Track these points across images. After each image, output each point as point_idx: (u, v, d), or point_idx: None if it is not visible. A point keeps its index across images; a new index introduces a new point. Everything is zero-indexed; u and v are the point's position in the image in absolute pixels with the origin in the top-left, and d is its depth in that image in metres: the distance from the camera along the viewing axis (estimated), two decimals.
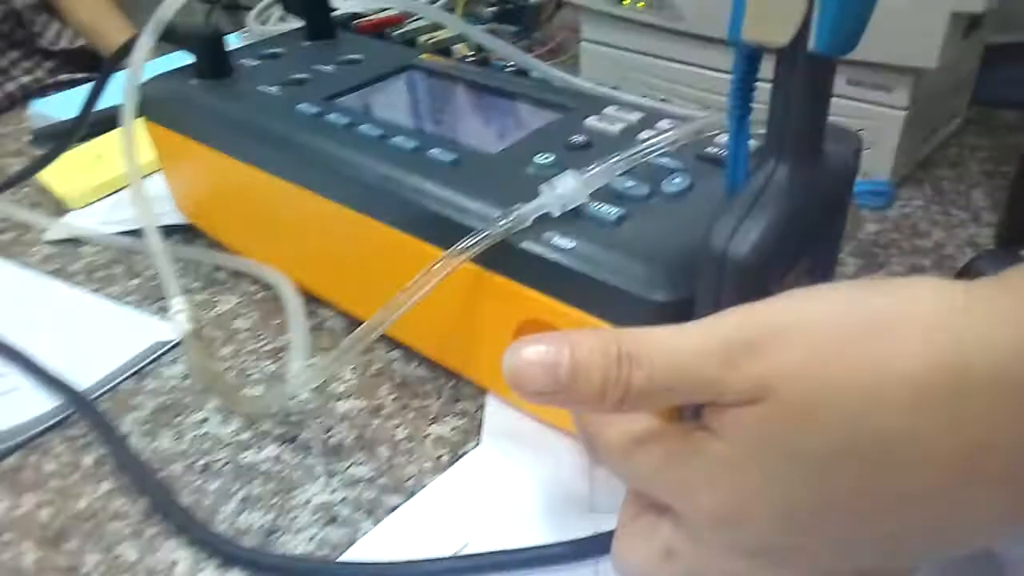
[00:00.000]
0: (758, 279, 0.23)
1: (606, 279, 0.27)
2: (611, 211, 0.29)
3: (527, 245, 0.29)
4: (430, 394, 0.36)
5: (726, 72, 0.54)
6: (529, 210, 0.29)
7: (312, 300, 0.41)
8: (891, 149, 0.50)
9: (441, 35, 0.55)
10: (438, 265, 0.29)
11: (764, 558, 0.21)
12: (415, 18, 0.59)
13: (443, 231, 0.31)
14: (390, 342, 0.39)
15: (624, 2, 0.56)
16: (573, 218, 0.29)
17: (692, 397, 0.21)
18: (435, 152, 0.34)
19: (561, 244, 0.28)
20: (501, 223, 0.29)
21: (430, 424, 0.35)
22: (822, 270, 0.28)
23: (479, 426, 0.34)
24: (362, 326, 0.30)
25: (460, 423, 0.35)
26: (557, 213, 0.29)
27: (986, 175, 0.53)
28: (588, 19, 0.61)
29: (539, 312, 0.30)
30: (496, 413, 0.35)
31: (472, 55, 0.56)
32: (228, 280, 0.45)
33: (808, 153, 0.24)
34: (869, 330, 0.19)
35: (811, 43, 0.21)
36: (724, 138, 0.33)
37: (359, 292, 0.38)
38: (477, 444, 0.33)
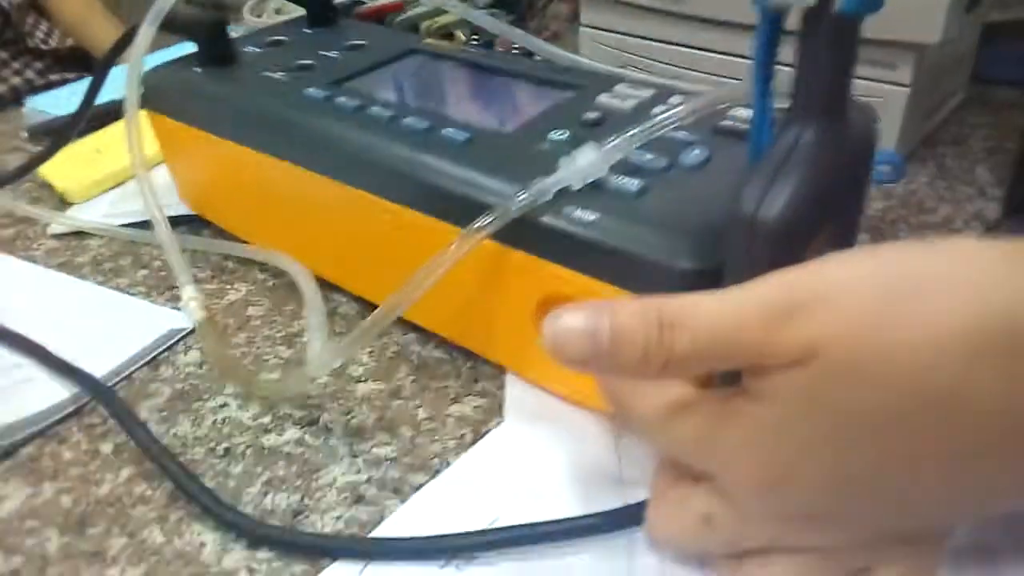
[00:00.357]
0: (788, 243, 0.23)
1: (630, 249, 0.27)
2: (632, 183, 0.29)
3: (548, 219, 0.29)
4: (449, 375, 0.36)
5: (728, 54, 0.55)
6: (549, 184, 0.29)
7: (325, 286, 0.41)
8: (896, 126, 0.50)
9: (443, 20, 0.55)
10: (456, 243, 0.29)
11: (809, 523, 0.21)
12: (416, 4, 0.59)
13: (460, 209, 0.31)
14: (405, 325, 0.39)
15: None
16: (593, 191, 0.29)
17: (735, 361, 0.21)
18: (448, 131, 0.34)
19: (583, 217, 0.29)
20: (521, 198, 0.29)
21: (451, 404, 0.35)
22: (845, 238, 0.28)
23: (500, 405, 0.34)
24: (380, 307, 0.30)
25: (481, 402, 0.35)
26: (577, 186, 0.29)
27: (988, 151, 0.54)
28: (587, 3, 0.61)
29: (561, 286, 0.30)
30: (517, 391, 0.35)
31: (475, 38, 0.56)
32: (238, 269, 0.45)
33: (834, 115, 0.24)
34: (919, 288, 0.19)
35: (837, 3, 0.21)
36: (740, 111, 0.33)
37: (374, 276, 0.38)
38: (500, 422, 0.33)
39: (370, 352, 0.38)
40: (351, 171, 0.36)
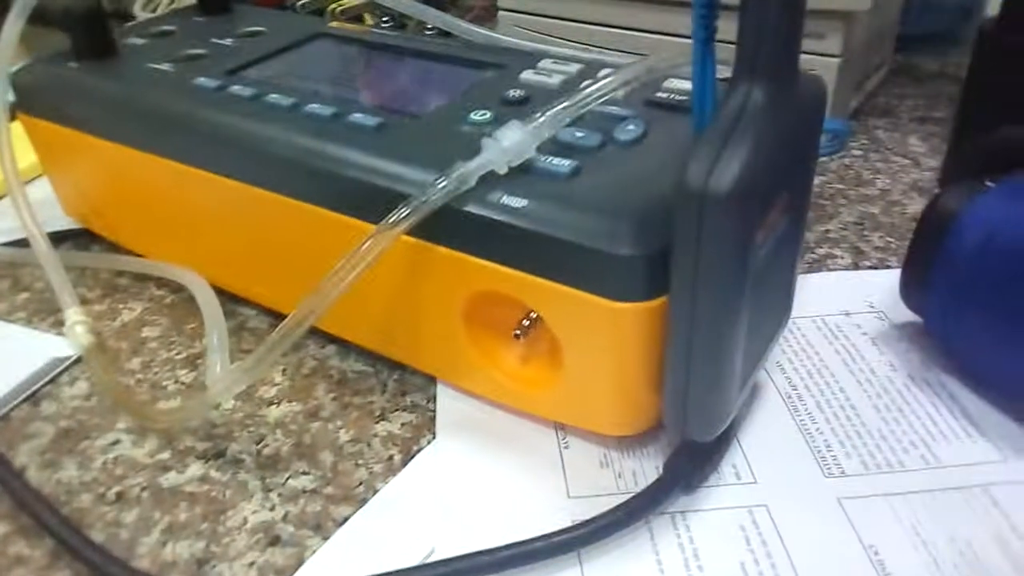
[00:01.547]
0: (742, 217, 0.21)
1: (566, 237, 0.24)
2: (563, 163, 0.26)
3: (472, 208, 0.26)
4: (373, 389, 0.33)
5: (650, 32, 0.52)
6: (472, 168, 0.26)
7: (231, 299, 0.37)
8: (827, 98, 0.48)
9: (349, 2, 0.51)
10: (370, 242, 0.25)
11: None
12: None
13: (373, 203, 0.27)
14: (323, 337, 0.35)
15: None
16: (521, 174, 0.26)
17: None
18: (357, 117, 0.31)
19: (511, 203, 0.25)
20: (440, 185, 0.25)
21: (377, 422, 0.31)
22: (799, 210, 0.26)
23: (432, 419, 0.31)
24: (287, 319, 0.26)
25: (410, 418, 0.31)
26: (504, 170, 0.26)
27: (918, 121, 0.53)
28: None
29: (492, 282, 0.27)
30: (449, 403, 0.31)
31: (386, 21, 0.52)
32: (132, 285, 0.40)
33: (785, 77, 0.21)
34: None
35: None
36: (675, 82, 0.31)
37: (283, 284, 0.34)
38: (431, 439, 0.30)
39: (283, 370, 0.34)
40: (249, 167, 0.32)
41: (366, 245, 0.25)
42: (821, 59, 0.47)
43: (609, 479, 0.28)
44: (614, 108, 0.29)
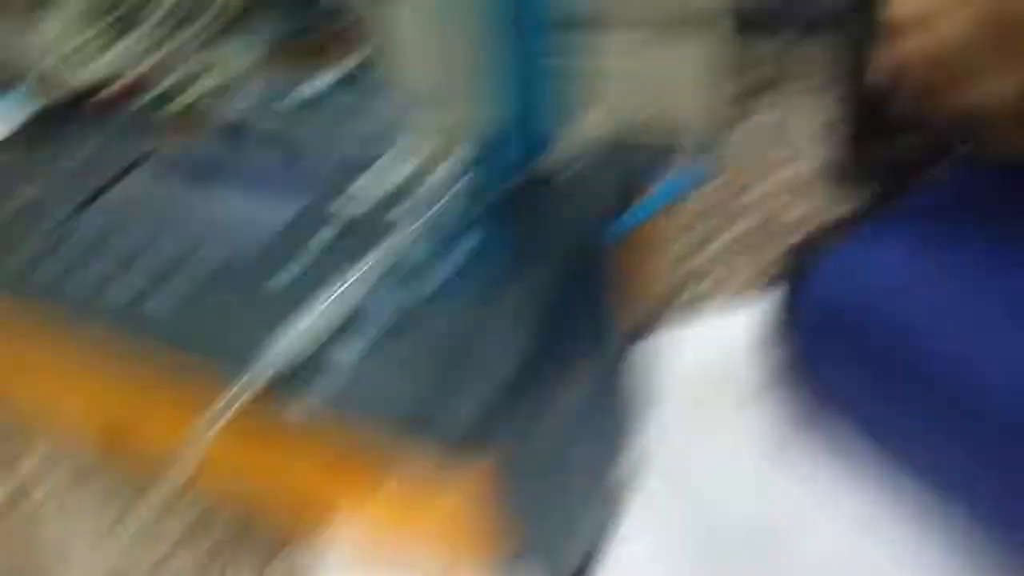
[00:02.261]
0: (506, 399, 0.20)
1: (381, 407, 0.23)
2: (383, 322, 0.25)
3: (305, 375, 0.25)
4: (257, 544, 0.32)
5: None
6: (289, 344, 0.25)
7: None
8: (696, 110, 0.47)
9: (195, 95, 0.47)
10: (190, 441, 0.25)
11: None
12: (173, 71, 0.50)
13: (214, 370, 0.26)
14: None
15: None
16: (346, 335, 0.25)
17: None
18: (153, 304, 0.29)
19: (333, 376, 0.24)
20: (265, 362, 0.25)
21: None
22: (600, 357, 0.25)
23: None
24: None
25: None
26: (323, 338, 0.25)
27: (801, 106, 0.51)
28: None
29: (339, 448, 0.26)
30: (334, 553, 0.31)
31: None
32: None
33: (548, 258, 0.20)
34: None
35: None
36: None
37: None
38: None
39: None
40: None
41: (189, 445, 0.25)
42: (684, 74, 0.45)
43: None
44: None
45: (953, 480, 0.26)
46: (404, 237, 0.26)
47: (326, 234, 0.30)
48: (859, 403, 0.28)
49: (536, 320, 0.20)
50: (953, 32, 0.24)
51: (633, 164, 0.29)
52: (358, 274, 0.25)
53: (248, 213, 0.33)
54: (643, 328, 0.37)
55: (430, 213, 0.26)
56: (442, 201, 0.26)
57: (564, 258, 0.22)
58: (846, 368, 0.28)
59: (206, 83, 0.47)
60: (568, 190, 0.27)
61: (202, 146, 0.39)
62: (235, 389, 0.24)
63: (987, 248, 0.27)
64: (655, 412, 0.33)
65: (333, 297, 0.25)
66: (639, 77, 0.46)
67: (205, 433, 0.25)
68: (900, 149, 0.33)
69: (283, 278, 0.28)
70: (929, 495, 0.27)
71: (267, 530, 0.33)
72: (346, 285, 0.25)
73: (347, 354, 0.25)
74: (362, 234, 0.28)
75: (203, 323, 0.28)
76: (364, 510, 0.29)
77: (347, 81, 0.41)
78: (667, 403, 0.34)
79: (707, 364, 0.35)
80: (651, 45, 0.45)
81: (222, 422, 0.25)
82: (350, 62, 0.60)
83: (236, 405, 0.25)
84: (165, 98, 0.46)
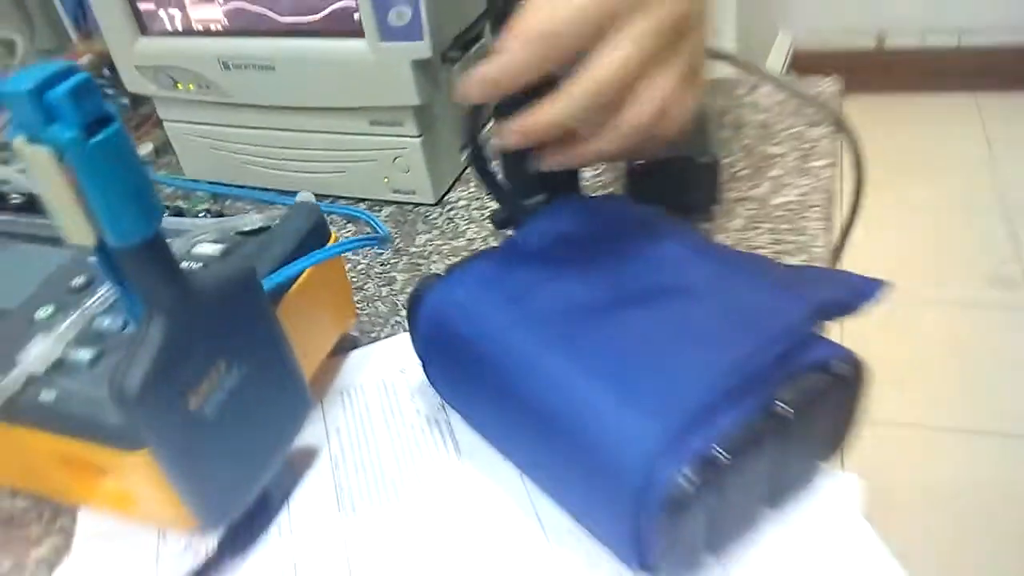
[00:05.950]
0: (152, 402, 0.31)
1: (86, 415, 0.34)
2: (86, 354, 0.36)
3: (25, 402, 0.35)
4: (32, 520, 0.42)
5: (276, 129, 0.61)
6: (13, 378, 0.35)
7: None
8: (423, 169, 0.59)
9: None
10: None
11: None
12: None
13: None
14: None
15: (178, 86, 0.62)
16: (57, 368, 0.36)
17: None
18: None
19: (46, 398, 0.35)
20: None
21: (32, 548, 0.41)
22: (257, 356, 0.36)
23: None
24: None
25: (58, 540, 0.41)
26: (42, 370, 0.36)
27: None
28: (160, 103, 0.66)
29: (64, 449, 0.36)
30: (86, 521, 0.41)
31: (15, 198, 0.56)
32: None
33: (176, 304, 0.31)
34: None
35: (110, 240, 0.29)
36: (201, 248, 0.41)
37: None
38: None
39: None
40: None
41: None
42: (408, 140, 0.58)
43: (188, 558, 0.38)
44: None
45: (510, 444, 0.39)
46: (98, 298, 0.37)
47: (78, 281, 0.41)
48: (453, 387, 0.41)
49: (186, 338, 0.32)
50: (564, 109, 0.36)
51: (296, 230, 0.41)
52: (85, 307, 0.36)
53: (28, 262, 0.44)
54: (346, 343, 0.49)
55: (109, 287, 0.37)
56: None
57: (211, 294, 0.33)
58: (443, 364, 0.40)
59: None
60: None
61: None
62: None
63: (526, 268, 0.40)
64: (347, 399, 0.45)
65: (58, 331, 0.36)
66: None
67: None
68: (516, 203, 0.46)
69: (39, 317, 0.39)
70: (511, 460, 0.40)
71: (42, 510, 0.42)
72: (72, 317, 0.36)
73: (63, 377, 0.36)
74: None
75: None
76: (90, 494, 0.39)
77: None
78: (358, 395, 0.45)
79: (393, 366, 0.47)
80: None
81: None
82: None
83: None
84: None
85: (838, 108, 0.61)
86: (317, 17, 0.55)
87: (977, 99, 2.19)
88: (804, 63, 2.19)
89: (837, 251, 0.61)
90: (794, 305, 0.35)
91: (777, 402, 0.32)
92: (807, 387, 0.33)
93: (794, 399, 0.32)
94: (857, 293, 0.36)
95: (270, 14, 0.56)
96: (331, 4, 0.54)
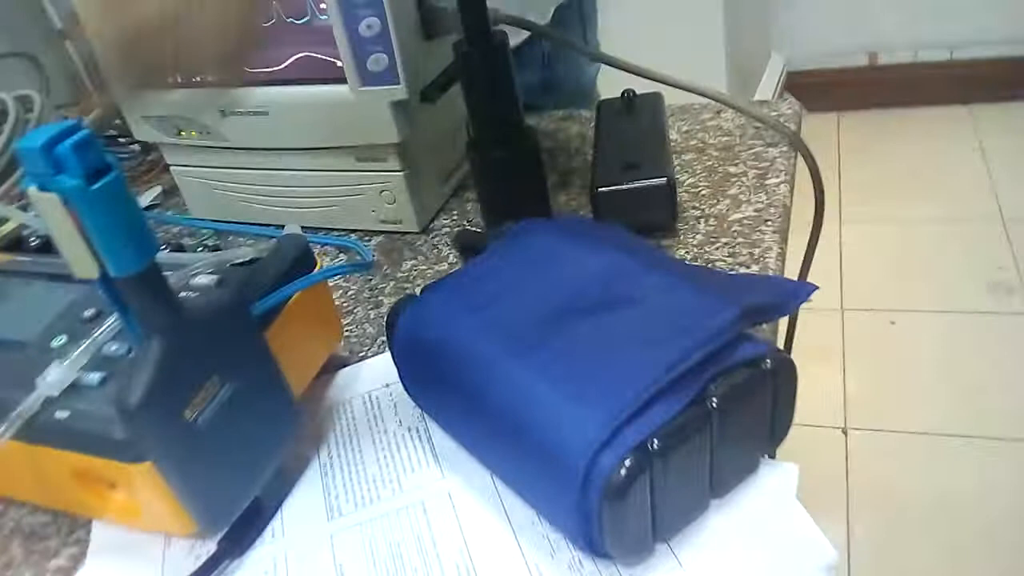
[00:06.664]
0: (152, 413, 0.35)
1: (96, 432, 0.38)
2: (95, 377, 0.40)
3: (43, 421, 0.40)
4: (52, 534, 0.46)
5: (272, 169, 0.66)
6: (32, 401, 0.39)
7: None
8: (407, 200, 0.64)
9: (5, 229, 0.61)
10: None
11: None
12: None
13: None
14: (20, 504, 0.48)
15: (181, 133, 0.67)
16: (71, 391, 0.40)
17: None
18: None
19: (60, 416, 0.39)
20: (15, 414, 0.39)
21: (51, 559, 0.45)
22: (249, 370, 0.41)
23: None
24: None
25: (75, 550, 0.45)
26: (57, 393, 0.40)
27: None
28: (166, 149, 0.71)
29: (77, 464, 0.40)
30: (100, 532, 0.45)
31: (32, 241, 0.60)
32: None
33: (171, 323, 0.36)
34: None
35: (111, 272, 0.33)
36: (198, 280, 0.45)
37: None
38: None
39: None
40: None
41: None
42: (392, 175, 0.63)
43: (191, 562, 0.42)
44: None
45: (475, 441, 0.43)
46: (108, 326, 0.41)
47: (88, 312, 0.45)
48: (425, 392, 0.44)
49: (180, 357, 0.36)
50: None
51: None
52: (94, 338, 0.41)
53: (44, 298, 0.48)
54: (336, 363, 0.53)
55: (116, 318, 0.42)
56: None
57: (204, 318, 0.37)
58: (416, 371, 0.44)
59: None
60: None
61: (14, 261, 0.54)
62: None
63: (490, 282, 0.44)
64: (336, 412, 0.49)
65: (71, 358, 0.40)
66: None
67: None
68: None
69: (54, 346, 0.43)
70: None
71: (61, 523, 0.46)
72: (83, 346, 0.40)
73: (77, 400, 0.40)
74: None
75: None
76: (102, 507, 0.43)
77: None
78: (346, 409, 0.49)
79: (378, 382, 0.51)
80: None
81: (5, 439, 0.39)
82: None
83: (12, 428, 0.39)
84: None
85: (796, 129, 0.65)
86: (281, 67, 0.60)
87: (971, 110, 2.22)
88: (798, 83, 2.24)
89: (806, 264, 0.64)
90: (727, 309, 0.38)
91: (709, 397, 0.36)
92: (736, 382, 0.36)
93: (724, 393, 0.36)
94: (787, 296, 0.40)
95: (261, 68, 0.61)
96: (293, 55, 0.60)
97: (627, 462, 0.33)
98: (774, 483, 0.39)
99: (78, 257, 0.33)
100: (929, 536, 1.29)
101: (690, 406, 0.35)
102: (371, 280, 0.61)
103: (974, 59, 2.18)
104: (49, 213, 0.32)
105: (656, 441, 0.34)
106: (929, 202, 1.95)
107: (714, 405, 0.36)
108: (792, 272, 0.54)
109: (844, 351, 1.62)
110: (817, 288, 0.40)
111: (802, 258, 0.60)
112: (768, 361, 0.37)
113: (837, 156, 2.05)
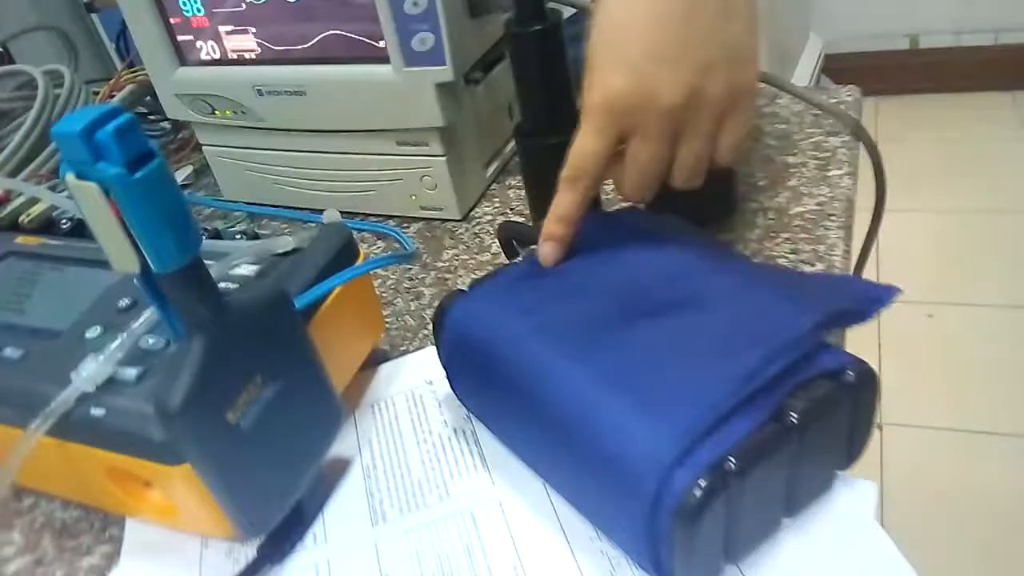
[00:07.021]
0: (192, 414, 0.33)
1: (133, 430, 0.36)
2: (132, 372, 0.38)
3: (76, 418, 0.38)
4: (84, 530, 0.44)
5: (308, 151, 0.64)
6: (66, 396, 0.37)
7: None
8: (449, 186, 0.61)
9: (37, 209, 0.59)
10: (16, 446, 0.37)
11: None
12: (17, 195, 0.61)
13: (24, 416, 0.39)
14: (51, 497, 0.46)
15: (215, 112, 0.65)
16: (107, 386, 0.38)
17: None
18: (7, 352, 0.42)
19: (96, 414, 0.37)
20: (48, 410, 0.37)
21: (84, 557, 0.43)
22: (290, 370, 0.38)
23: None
24: None
25: (108, 548, 0.43)
26: (92, 389, 0.38)
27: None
28: (198, 128, 0.69)
29: (111, 463, 0.39)
30: (134, 531, 0.43)
31: (64, 223, 0.58)
32: None
33: (214, 321, 0.33)
34: None
35: (153, 267, 0.31)
36: (239, 270, 0.43)
37: None
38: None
39: (20, 529, 0.45)
40: None
41: (15, 448, 0.37)
42: (434, 159, 0.60)
43: (230, 564, 0.40)
44: None
45: (529, 448, 0.40)
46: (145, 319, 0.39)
47: (124, 302, 0.43)
48: (476, 398, 0.42)
49: (223, 356, 0.34)
50: None
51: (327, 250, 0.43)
52: (131, 330, 0.39)
53: (79, 284, 0.46)
54: (377, 357, 0.50)
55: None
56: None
57: (244, 314, 0.35)
58: (466, 376, 0.42)
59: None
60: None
61: (50, 245, 0.52)
62: (36, 424, 0.37)
63: (544, 281, 0.41)
64: (377, 411, 0.47)
65: (108, 352, 0.38)
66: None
67: (25, 444, 0.37)
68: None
69: (88, 337, 0.41)
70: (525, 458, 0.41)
71: (93, 519, 0.45)
72: (120, 339, 0.38)
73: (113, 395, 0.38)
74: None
75: (31, 378, 0.40)
76: (137, 505, 0.41)
77: None
78: (388, 407, 0.47)
79: (421, 378, 0.49)
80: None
81: (38, 436, 0.37)
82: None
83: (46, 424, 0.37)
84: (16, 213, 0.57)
85: (858, 117, 0.62)
86: (308, 45, 0.58)
87: (1015, 97, 2.15)
88: (836, 66, 2.18)
89: (862, 259, 0.61)
90: (806, 315, 0.35)
91: (788, 411, 0.33)
92: (816, 396, 0.34)
93: (804, 408, 0.33)
94: (867, 300, 0.37)
95: (299, 45, 0.59)
96: (321, 32, 0.57)
97: (702, 482, 0.31)
98: (851, 502, 0.37)
99: (118, 250, 0.31)
100: (963, 533, 1.26)
101: (768, 422, 0.33)
102: (410, 270, 0.59)
103: (1020, 44, 2.11)
104: (88, 203, 0.30)
105: (733, 460, 0.32)
106: (970, 192, 1.90)
107: (793, 421, 0.33)
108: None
109: (880, 344, 1.59)
110: (901, 291, 0.37)
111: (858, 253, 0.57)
112: (850, 373, 0.34)
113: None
